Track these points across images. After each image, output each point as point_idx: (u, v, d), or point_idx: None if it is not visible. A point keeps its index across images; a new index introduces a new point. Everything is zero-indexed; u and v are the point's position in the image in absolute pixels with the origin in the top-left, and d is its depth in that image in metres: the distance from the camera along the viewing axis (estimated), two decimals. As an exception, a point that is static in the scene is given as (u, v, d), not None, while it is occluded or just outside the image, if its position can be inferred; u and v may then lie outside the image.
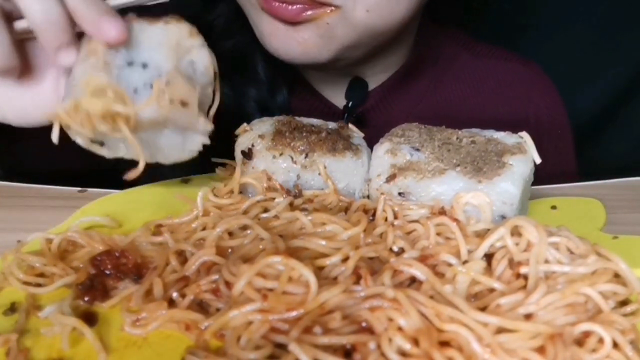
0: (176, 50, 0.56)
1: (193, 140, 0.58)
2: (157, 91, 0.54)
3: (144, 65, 0.55)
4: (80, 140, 0.55)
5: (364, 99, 0.88)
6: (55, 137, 0.53)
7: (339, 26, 0.72)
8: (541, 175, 0.63)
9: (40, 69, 0.59)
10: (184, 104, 0.55)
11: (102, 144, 0.55)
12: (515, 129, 0.64)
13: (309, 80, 0.90)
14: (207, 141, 0.58)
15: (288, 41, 0.73)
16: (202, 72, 0.58)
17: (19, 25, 0.54)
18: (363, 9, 0.70)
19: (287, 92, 0.87)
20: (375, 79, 0.90)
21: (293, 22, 0.71)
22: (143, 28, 0.56)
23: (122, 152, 0.56)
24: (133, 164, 0.54)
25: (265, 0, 0.70)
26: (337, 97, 0.89)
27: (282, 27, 0.72)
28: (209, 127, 0.57)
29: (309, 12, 0.70)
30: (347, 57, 0.78)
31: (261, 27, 0.75)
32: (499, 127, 0.65)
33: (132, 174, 0.54)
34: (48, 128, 0.60)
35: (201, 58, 0.58)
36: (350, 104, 0.86)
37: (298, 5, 0.70)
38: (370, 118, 0.87)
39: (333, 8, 0.70)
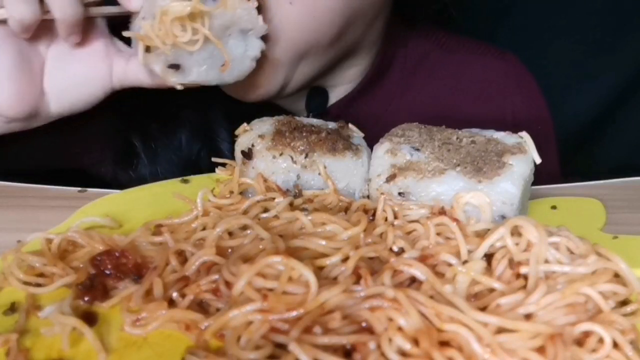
0: None
1: (253, 46, 0.66)
2: None
3: None
4: (157, 66, 0.62)
5: (325, 108, 0.87)
6: (141, 58, 0.61)
7: (272, 46, 0.70)
8: None
9: (91, 42, 0.65)
10: None
11: (177, 67, 0.62)
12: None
13: None
14: (264, 46, 0.67)
15: (239, 89, 0.74)
16: None
17: None
18: (286, 1, 0.69)
19: (245, 107, 0.86)
20: (339, 87, 0.88)
21: None
22: None
23: (194, 76, 0.64)
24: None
25: None
26: (298, 108, 0.88)
27: None
28: (266, 27, 0.66)
29: None
30: (302, 77, 0.78)
31: None
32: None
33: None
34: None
35: None
36: (311, 115, 0.85)
37: None
38: None
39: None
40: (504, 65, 0.95)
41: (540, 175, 0.64)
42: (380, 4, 0.79)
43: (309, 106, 0.86)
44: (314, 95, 0.86)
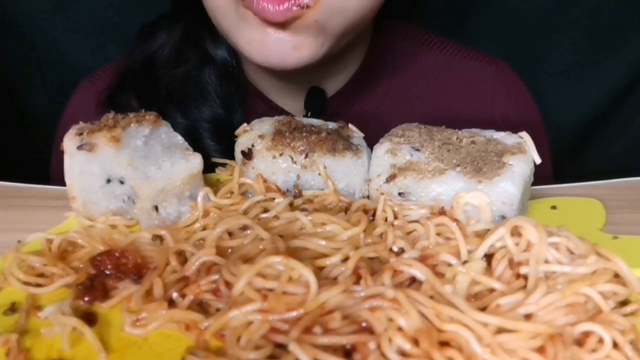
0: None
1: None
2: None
3: (121, 182, 0.59)
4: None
5: (323, 107, 0.87)
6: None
7: (329, 19, 0.69)
8: None
9: None
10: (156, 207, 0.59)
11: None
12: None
13: (264, 92, 0.89)
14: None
15: (281, 47, 0.70)
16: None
17: None
18: None
19: (243, 110, 0.86)
20: (332, 85, 0.89)
21: (283, 23, 0.68)
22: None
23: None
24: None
25: (256, 3, 0.67)
26: (295, 108, 0.88)
27: (273, 32, 0.69)
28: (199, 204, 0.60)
29: (295, 9, 0.67)
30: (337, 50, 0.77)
31: (250, 36, 0.71)
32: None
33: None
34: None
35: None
36: (309, 113, 0.85)
37: (286, 5, 0.66)
38: None
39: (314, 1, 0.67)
40: (493, 70, 0.96)
41: (535, 178, 0.64)
42: None
43: (308, 106, 0.86)
44: (313, 95, 0.86)
